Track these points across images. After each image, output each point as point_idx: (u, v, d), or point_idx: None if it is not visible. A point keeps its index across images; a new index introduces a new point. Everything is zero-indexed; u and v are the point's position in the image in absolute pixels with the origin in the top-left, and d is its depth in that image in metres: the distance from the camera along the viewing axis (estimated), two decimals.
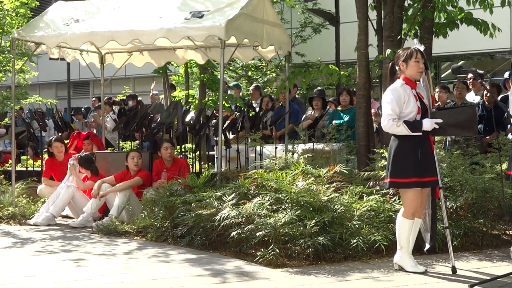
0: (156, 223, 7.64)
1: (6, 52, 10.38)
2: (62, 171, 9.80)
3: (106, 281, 5.76)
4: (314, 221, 6.29)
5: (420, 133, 5.70)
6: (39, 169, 10.86)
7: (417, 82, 5.86)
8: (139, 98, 14.63)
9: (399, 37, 8.73)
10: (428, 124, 5.67)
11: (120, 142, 11.83)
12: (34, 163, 11.49)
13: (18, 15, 10.48)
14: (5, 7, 10.43)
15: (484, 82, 7.95)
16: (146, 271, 6.10)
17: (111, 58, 11.40)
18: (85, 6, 10.03)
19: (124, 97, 16.44)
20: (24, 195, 9.67)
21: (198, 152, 10.53)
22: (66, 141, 10.99)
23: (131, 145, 11.76)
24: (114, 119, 12.66)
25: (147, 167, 9.37)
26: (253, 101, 12.78)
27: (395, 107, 5.69)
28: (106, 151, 11.24)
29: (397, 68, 5.87)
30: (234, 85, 13.65)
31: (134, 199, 8.68)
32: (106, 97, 13.70)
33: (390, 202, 6.78)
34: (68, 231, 8.41)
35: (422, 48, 5.88)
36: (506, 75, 10.77)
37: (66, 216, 9.46)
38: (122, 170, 9.17)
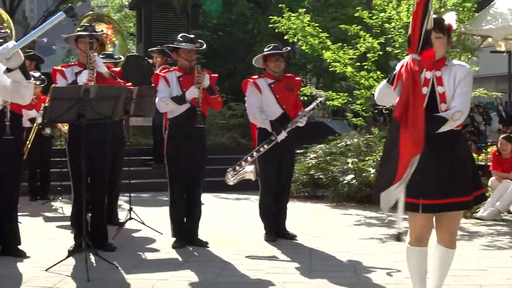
0: None
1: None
2: (508, 168, 9.52)
3: None
4: None
5: None
6: (482, 163, 10.73)
7: None
8: None
9: None
10: None
11: None
12: (477, 157, 11.41)
13: (465, 9, 10.51)
14: (448, 2, 10.53)
15: None
16: None
17: None
18: None
19: None
20: None
21: None
22: None
23: None
24: None
25: None
26: None
27: None
28: None
29: None
30: None
31: None
32: None
33: None
34: None
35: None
36: None
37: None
38: None
